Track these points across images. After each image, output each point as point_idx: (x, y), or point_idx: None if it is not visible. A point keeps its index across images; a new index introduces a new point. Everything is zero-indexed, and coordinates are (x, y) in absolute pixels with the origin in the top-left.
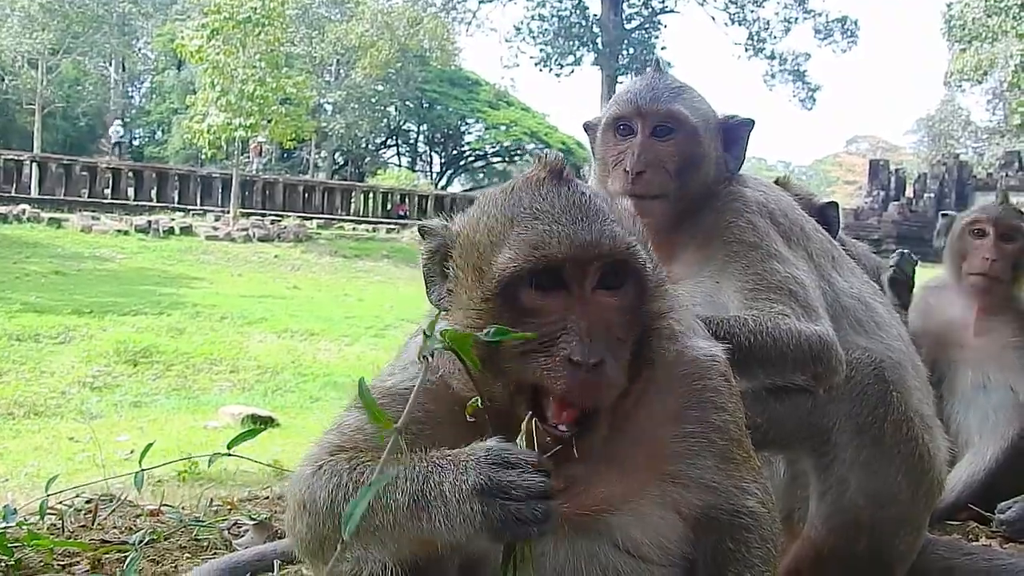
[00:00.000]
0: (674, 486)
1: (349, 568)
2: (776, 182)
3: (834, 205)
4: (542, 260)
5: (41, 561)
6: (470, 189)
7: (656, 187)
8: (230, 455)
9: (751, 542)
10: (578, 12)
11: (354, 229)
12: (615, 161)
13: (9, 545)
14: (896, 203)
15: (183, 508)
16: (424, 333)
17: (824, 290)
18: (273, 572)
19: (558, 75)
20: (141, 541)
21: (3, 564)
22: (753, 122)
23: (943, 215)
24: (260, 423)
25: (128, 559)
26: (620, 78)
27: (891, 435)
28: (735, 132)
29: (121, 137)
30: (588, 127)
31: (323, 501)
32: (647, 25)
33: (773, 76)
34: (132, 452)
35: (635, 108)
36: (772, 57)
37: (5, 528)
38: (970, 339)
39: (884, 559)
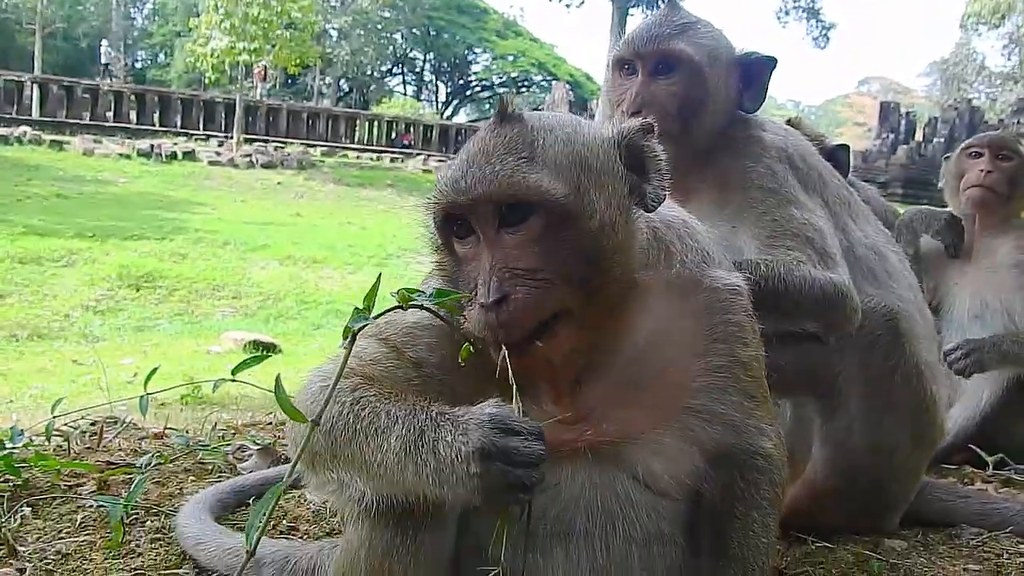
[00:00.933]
0: (698, 420)
1: (344, 498)
2: (788, 123)
3: (845, 148)
4: (436, 209)
5: (48, 482)
6: (476, 120)
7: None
8: (234, 381)
9: (761, 483)
10: None
11: (358, 157)
12: (617, 101)
13: (16, 465)
14: (905, 147)
15: (187, 432)
16: (355, 308)
17: (839, 238)
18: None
19: (568, 5)
20: (147, 464)
21: (11, 484)
22: (775, 60)
23: (946, 158)
24: (262, 349)
25: (134, 481)
26: (631, 10)
27: (899, 386)
28: (754, 69)
29: (111, 58)
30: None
31: (321, 421)
32: None
33: (787, 13)
34: (136, 375)
35: (634, 48)
36: None
37: (12, 449)
38: (968, 264)
39: (882, 503)
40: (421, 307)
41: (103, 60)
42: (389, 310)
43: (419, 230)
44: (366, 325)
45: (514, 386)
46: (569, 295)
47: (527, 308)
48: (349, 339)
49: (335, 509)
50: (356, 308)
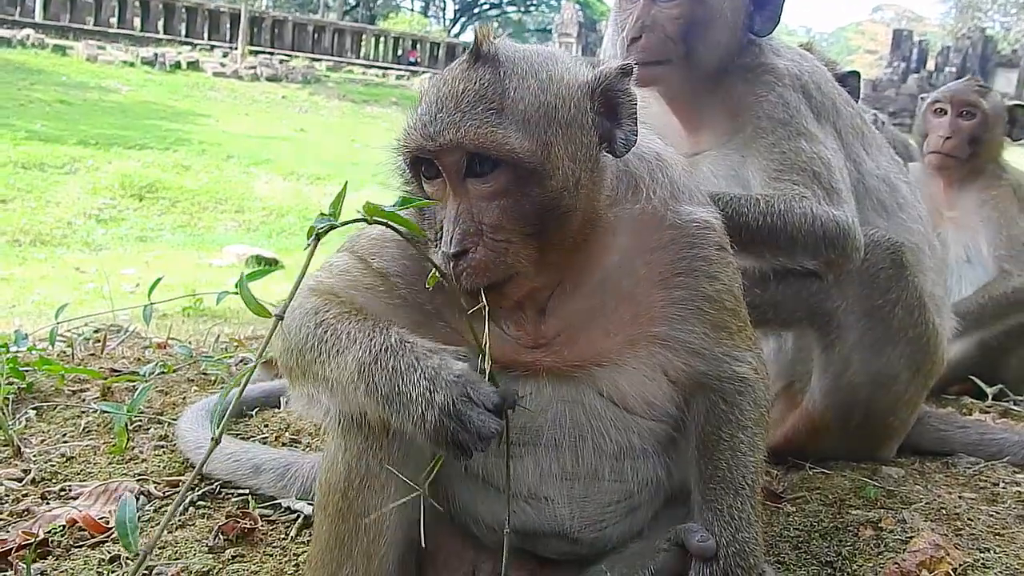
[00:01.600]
0: (662, 349)
1: (318, 410)
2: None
3: (856, 75)
4: (404, 151)
5: (52, 386)
6: None
7: (655, 52)
8: (236, 294)
9: (744, 405)
10: None
11: (364, 73)
12: (621, 26)
13: (21, 369)
14: (916, 75)
15: (189, 343)
16: (320, 212)
17: (849, 170)
18: (280, 408)
19: None
20: (151, 372)
21: (15, 387)
22: None
23: (922, 98)
24: (264, 264)
25: (138, 389)
26: None
27: (900, 319)
28: None
29: None
30: None
31: (292, 337)
32: None
33: None
34: (138, 285)
35: None
36: None
37: (16, 352)
38: (944, 214)
39: (879, 432)
40: (385, 224)
41: None
42: (353, 221)
43: (391, 165)
44: (330, 227)
45: (486, 345)
46: (527, 254)
47: (485, 267)
48: (313, 239)
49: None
50: (321, 212)
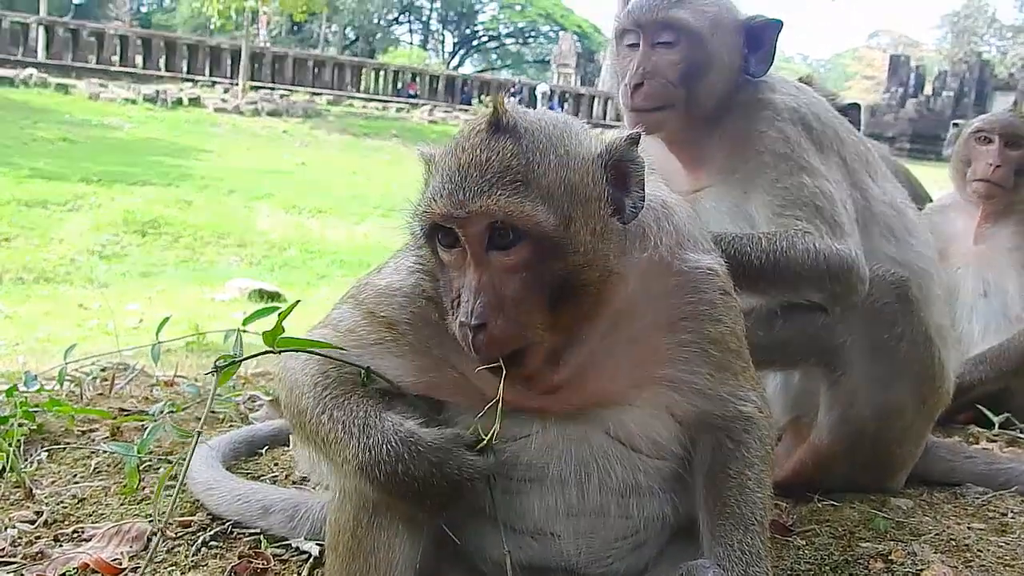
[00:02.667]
0: (668, 390)
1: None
2: (799, 81)
3: (856, 107)
4: (426, 219)
5: (62, 427)
6: (482, 70)
7: (657, 98)
8: (246, 331)
9: (750, 443)
10: None
11: (364, 107)
12: (621, 73)
13: (31, 410)
14: (914, 100)
15: (195, 379)
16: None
17: (855, 198)
18: (290, 446)
19: None
20: (160, 411)
21: (26, 428)
22: (780, 23)
23: (954, 124)
24: (267, 298)
25: (147, 429)
26: None
27: (906, 353)
28: (759, 33)
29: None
30: None
31: (294, 406)
32: None
33: None
34: (141, 321)
35: (634, 20)
36: None
37: (26, 393)
38: (970, 247)
39: (887, 464)
40: (295, 349)
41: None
42: (257, 355)
43: (404, 227)
44: (232, 363)
45: (499, 408)
46: (544, 324)
47: (504, 340)
48: (214, 372)
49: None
50: (223, 356)
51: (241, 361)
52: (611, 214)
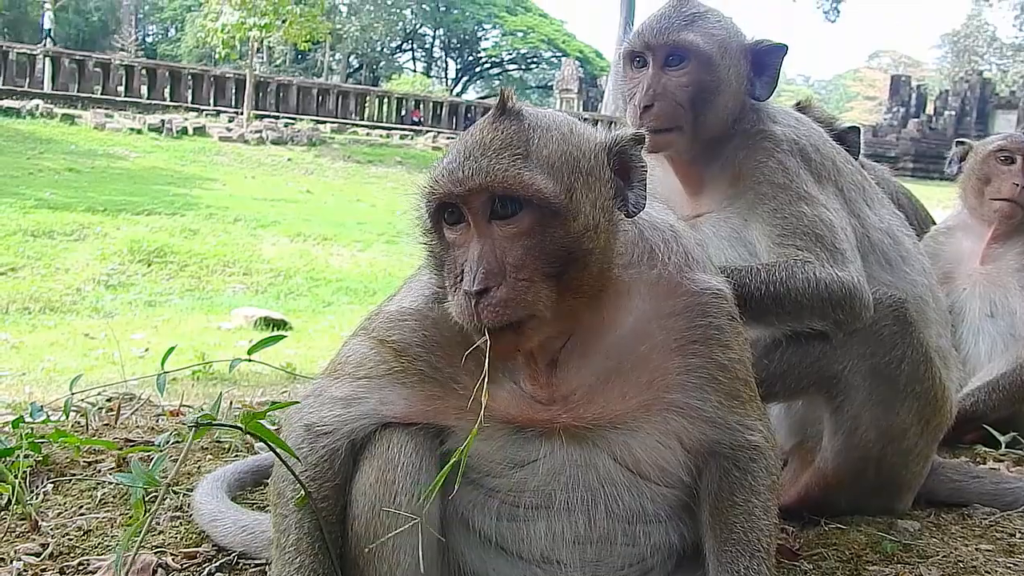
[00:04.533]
0: (677, 416)
1: None
2: (797, 105)
3: (856, 130)
4: (431, 197)
5: (68, 458)
6: (485, 97)
7: (667, 119)
8: (251, 360)
9: (757, 471)
10: None
11: (368, 134)
12: (629, 95)
13: (37, 441)
14: (916, 120)
15: (201, 408)
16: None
17: (854, 226)
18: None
19: None
20: (166, 442)
21: (32, 460)
22: (785, 47)
23: (958, 143)
24: (273, 326)
25: (154, 460)
26: None
27: (907, 375)
28: (765, 57)
29: (52, 23)
30: None
31: (274, 487)
32: None
33: None
34: (147, 350)
35: (644, 40)
36: None
37: (32, 424)
38: (977, 267)
39: (893, 487)
40: (262, 440)
41: (46, 26)
42: (230, 426)
43: (413, 213)
44: (208, 425)
45: (484, 374)
46: (546, 295)
47: (506, 305)
48: (191, 431)
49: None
50: (204, 413)
51: (218, 426)
52: (613, 199)
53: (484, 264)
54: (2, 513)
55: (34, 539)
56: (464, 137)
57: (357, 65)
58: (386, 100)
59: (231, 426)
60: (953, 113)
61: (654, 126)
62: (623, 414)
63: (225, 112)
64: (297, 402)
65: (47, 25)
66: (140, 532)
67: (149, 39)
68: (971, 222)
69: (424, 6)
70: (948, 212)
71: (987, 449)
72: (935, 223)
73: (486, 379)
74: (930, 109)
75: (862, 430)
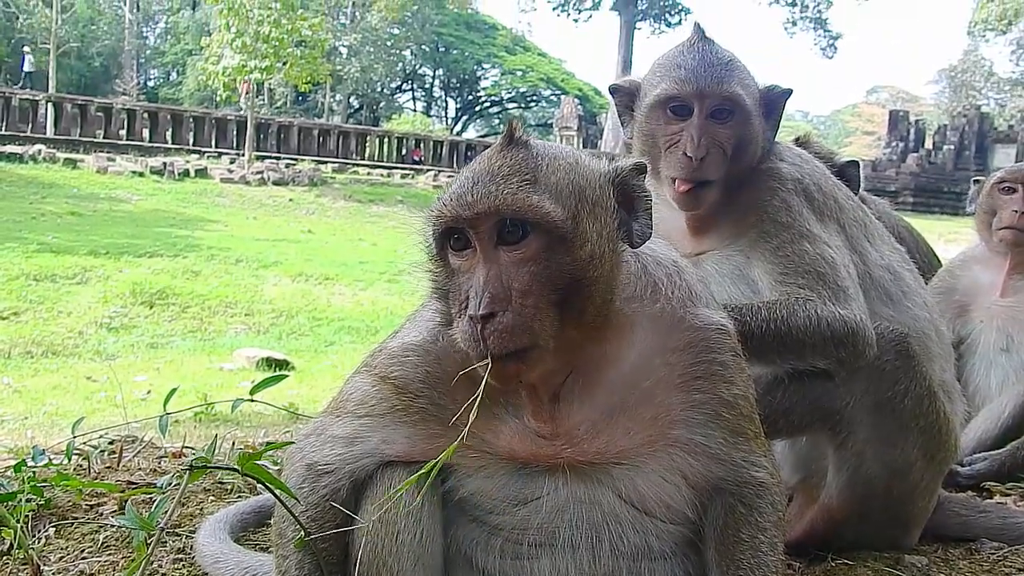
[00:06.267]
0: (681, 452)
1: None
2: (797, 140)
3: (855, 164)
4: (438, 222)
5: (70, 501)
6: (485, 135)
7: (714, 172)
8: (254, 400)
9: (763, 508)
10: None
11: (369, 174)
12: (669, 143)
13: (39, 485)
14: (915, 155)
15: (203, 450)
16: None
17: (856, 263)
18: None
19: (576, 20)
20: (168, 484)
21: (34, 503)
22: (791, 91)
23: (975, 181)
24: (275, 366)
25: (156, 502)
26: (639, 24)
27: (911, 409)
28: (774, 102)
29: (31, 67)
30: (616, 89)
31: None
32: None
33: (794, 23)
34: (149, 392)
35: (695, 89)
36: (793, 4)
37: (34, 468)
38: (996, 300)
39: (899, 522)
40: (257, 480)
41: (26, 70)
42: (227, 468)
43: (418, 241)
44: (203, 467)
45: (479, 392)
46: (550, 324)
47: (511, 331)
48: (187, 471)
49: None
50: (199, 456)
51: (215, 468)
52: (618, 229)
53: (490, 289)
54: (4, 558)
55: None
56: (471, 166)
57: (357, 105)
58: (387, 140)
59: (228, 468)
60: (952, 147)
61: (704, 177)
62: (627, 450)
63: (227, 154)
64: (294, 443)
65: (27, 68)
66: (137, 574)
67: (151, 83)
68: (988, 255)
69: (424, 47)
70: (951, 246)
71: (993, 483)
72: (936, 256)
73: (478, 399)
74: (929, 144)
75: (867, 466)
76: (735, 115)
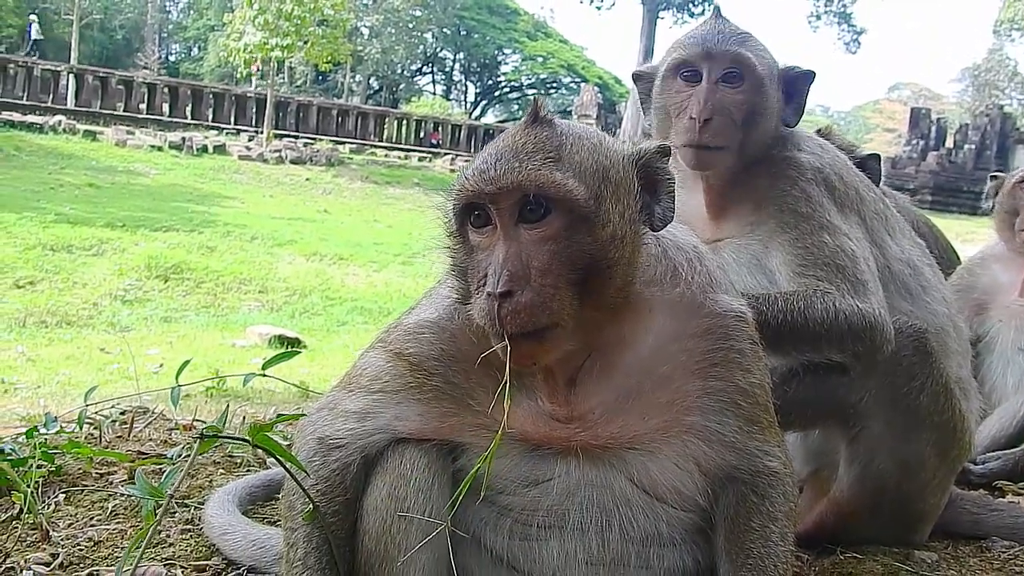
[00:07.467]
0: (695, 439)
1: None
2: (819, 132)
3: (876, 157)
4: (460, 196)
5: (80, 469)
6: (504, 120)
7: (722, 136)
8: (265, 375)
9: (775, 497)
10: None
11: (386, 155)
12: (678, 109)
13: (50, 452)
14: (935, 153)
15: (215, 422)
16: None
17: (875, 255)
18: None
19: (599, 7)
20: (178, 455)
21: (45, 470)
22: (814, 74)
23: (992, 177)
24: (287, 345)
25: (166, 472)
26: (661, 13)
27: (926, 406)
28: (796, 83)
29: (38, 35)
30: (639, 76)
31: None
32: None
33: (818, 17)
34: (162, 366)
35: (702, 51)
36: None
37: (45, 435)
38: (1015, 299)
39: (910, 518)
40: (266, 451)
41: (32, 37)
42: (238, 440)
43: (437, 218)
44: (214, 437)
45: (506, 380)
46: (569, 304)
47: (530, 310)
48: (197, 440)
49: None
50: (209, 425)
51: (225, 438)
52: (640, 211)
53: (509, 267)
54: (14, 522)
55: (45, 549)
56: (495, 143)
57: (377, 87)
58: (405, 122)
59: (238, 439)
60: (973, 147)
61: (711, 141)
62: (641, 435)
63: (245, 131)
64: (305, 415)
65: (34, 35)
66: (143, 542)
67: (172, 58)
68: (1008, 254)
69: (445, 30)
70: (967, 246)
71: (1005, 482)
72: (956, 252)
73: (507, 385)
74: (950, 142)
75: (879, 460)
76: (745, 80)
